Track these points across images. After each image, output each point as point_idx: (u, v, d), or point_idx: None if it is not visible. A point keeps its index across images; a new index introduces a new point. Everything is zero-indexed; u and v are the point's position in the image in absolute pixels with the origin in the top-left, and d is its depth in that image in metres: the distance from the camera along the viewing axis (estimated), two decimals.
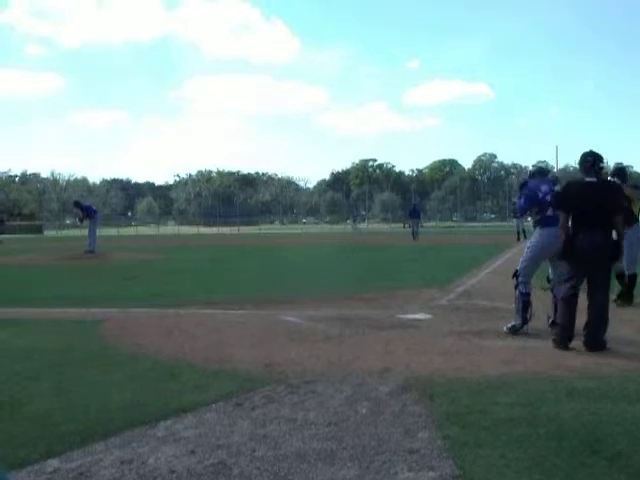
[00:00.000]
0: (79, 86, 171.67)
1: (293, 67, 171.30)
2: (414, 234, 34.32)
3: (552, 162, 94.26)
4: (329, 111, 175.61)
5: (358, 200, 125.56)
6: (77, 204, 23.73)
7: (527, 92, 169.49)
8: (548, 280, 7.35)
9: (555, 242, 6.75)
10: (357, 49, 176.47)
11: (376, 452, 3.56)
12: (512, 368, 5.43)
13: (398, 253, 25.11)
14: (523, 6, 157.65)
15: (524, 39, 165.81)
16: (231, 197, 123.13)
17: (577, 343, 6.25)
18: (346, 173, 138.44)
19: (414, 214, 36.61)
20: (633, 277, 9.09)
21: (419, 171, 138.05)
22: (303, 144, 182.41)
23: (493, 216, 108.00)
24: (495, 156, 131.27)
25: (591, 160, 6.56)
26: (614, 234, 6.45)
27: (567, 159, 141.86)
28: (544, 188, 7.13)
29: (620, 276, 9.08)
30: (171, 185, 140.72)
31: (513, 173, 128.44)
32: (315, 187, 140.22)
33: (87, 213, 22.43)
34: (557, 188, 7.10)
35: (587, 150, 6.70)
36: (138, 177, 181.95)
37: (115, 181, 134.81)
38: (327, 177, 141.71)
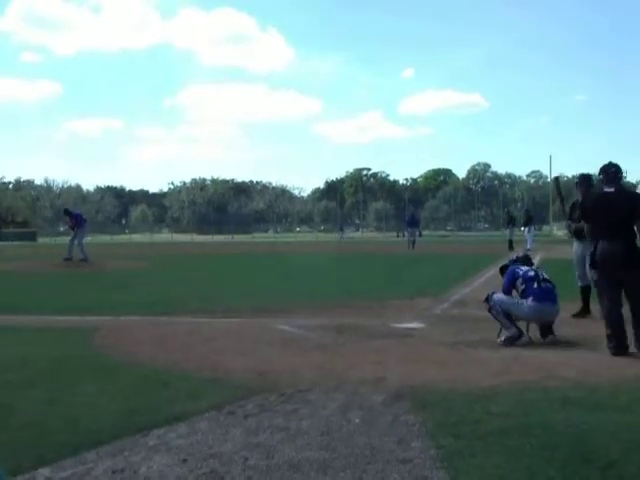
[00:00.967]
0: (74, 94, 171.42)
1: (288, 76, 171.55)
2: (410, 243, 33.78)
3: (546, 172, 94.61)
4: (324, 120, 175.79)
5: (352, 209, 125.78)
6: (67, 212, 23.68)
7: (520, 102, 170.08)
8: (487, 299, 7.36)
9: (535, 316, 7.09)
10: (352, 59, 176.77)
11: (369, 461, 3.55)
12: (505, 378, 5.43)
13: (392, 262, 25.13)
14: (516, 19, 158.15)
15: (517, 50, 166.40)
16: (225, 205, 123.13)
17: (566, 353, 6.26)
18: (340, 182, 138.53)
19: (412, 223, 35.90)
20: (587, 289, 8.97)
21: (413, 180, 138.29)
22: (298, 153, 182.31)
23: (487, 226, 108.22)
24: (489, 166, 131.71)
25: (614, 170, 6.70)
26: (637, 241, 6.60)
27: (561, 169, 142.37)
28: (524, 267, 7.42)
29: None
30: (165, 193, 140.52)
31: (507, 183, 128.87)
32: (309, 196, 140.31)
33: (76, 221, 22.36)
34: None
35: (611, 162, 6.80)
36: (132, 185, 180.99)
37: (109, 189, 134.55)
38: (321, 186, 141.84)
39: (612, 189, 6.64)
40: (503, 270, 7.65)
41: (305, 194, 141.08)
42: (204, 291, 13.72)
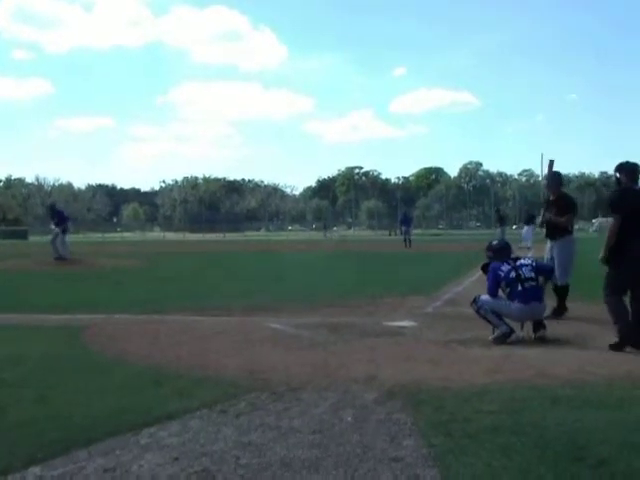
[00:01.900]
0: (66, 92, 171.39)
1: (280, 75, 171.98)
2: (406, 241, 34.27)
3: (537, 170, 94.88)
4: (316, 118, 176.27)
5: (344, 208, 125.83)
6: (52, 208, 23.45)
7: (512, 101, 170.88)
8: (474, 300, 7.37)
9: (522, 317, 7.13)
10: (344, 57, 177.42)
11: (361, 460, 3.56)
12: (497, 377, 5.44)
13: (383, 260, 25.15)
14: (508, 18, 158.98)
15: (509, 49, 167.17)
16: (217, 204, 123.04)
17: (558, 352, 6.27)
18: (332, 180, 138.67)
19: (406, 222, 36.54)
20: (565, 288, 8.96)
21: (405, 179, 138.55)
22: (289, 151, 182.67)
23: (479, 224, 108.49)
24: (481, 164, 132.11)
25: (638, 169, 6.77)
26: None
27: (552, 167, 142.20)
28: (504, 268, 7.27)
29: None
30: (157, 191, 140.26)
31: (499, 181, 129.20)
32: (301, 194, 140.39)
33: (59, 219, 22.14)
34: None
35: (630, 161, 6.86)
36: (124, 183, 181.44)
37: (100, 187, 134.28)
38: (313, 184, 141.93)
39: (638, 187, 6.75)
40: (485, 268, 7.56)
41: (297, 192, 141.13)
42: (196, 289, 13.70)
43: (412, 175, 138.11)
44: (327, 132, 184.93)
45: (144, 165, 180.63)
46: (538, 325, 7.15)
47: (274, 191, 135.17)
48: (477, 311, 7.24)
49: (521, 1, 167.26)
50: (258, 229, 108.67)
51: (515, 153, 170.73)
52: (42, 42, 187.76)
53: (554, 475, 3.33)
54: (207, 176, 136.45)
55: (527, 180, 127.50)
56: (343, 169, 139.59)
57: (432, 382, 5.25)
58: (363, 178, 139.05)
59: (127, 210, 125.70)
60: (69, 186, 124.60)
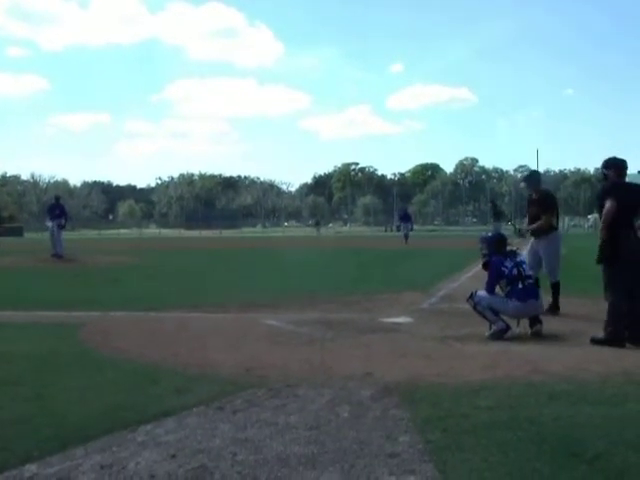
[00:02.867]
0: (61, 88, 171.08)
1: (277, 71, 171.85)
2: (406, 237, 34.56)
3: (533, 166, 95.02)
4: (312, 115, 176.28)
5: (340, 204, 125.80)
6: (57, 200, 23.24)
7: (508, 97, 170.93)
8: (471, 296, 7.37)
9: (519, 315, 7.17)
10: (340, 53, 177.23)
11: (357, 456, 3.56)
12: (493, 372, 5.46)
13: (379, 257, 25.16)
14: (504, 13, 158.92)
15: (506, 45, 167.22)
16: (213, 200, 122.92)
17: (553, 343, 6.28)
18: (328, 177, 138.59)
19: (405, 218, 36.95)
20: (556, 285, 8.95)
21: (401, 175, 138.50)
22: (285, 148, 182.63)
23: (475, 220, 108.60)
24: (477, 160, 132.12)
25: (626, 166, 6.87)
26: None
27: (548, 163, 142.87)
28: (508, 264, 7.23)
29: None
30: (153, 188, 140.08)
31: (494, 177, 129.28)
32: (297, 191, 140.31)
33: (60, 212, 22.05)
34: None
35: (617, 157, 6.91)
36: (120, 180, 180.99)
37: (96, 184, 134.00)
38: (309, 181, 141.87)
39: (629, 182, 6.86)
40: (486, 265, 7.50)
41: (293, 189, 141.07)
42: (192, 286, 13.69)
43: (408, 171, 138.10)
44: (323, 128, 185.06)
45: (140, 162, 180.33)
46: (534, 320, 7.16)
47: (270, 188, 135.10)
48: (474, 307, 7.24)
49: None
50: (254, 226, 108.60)
51: (511, 149, 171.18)
52: (38, 39, 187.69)
53: (550, 470, 3.34)
54: (203, 173, 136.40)
55: (523, 176, 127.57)
56: (339, 165, 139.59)
57: (428, 378, 5.26)
58: (359, 174, 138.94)
59: (123, 207, 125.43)
60: (65, 183, 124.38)
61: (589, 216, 75.01)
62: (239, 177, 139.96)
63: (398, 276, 15.29)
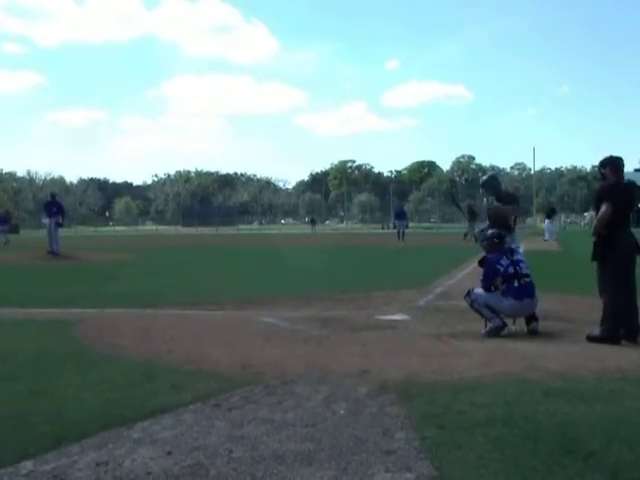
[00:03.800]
0: (57, 85, 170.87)
1: (272, 68, 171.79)
2: (399, 235, 34.60)
3: (529, 164, 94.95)
4: (308, 112, 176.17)
5: (337, 201, 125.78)
6: (53, 197, 23.20)
7: (505, 94, 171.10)
8: (468, 294, 7.38)
9: (515, 313, 7.17)
10: (336, 50, 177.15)
11: (354, 453, 3.56)
12: (489, 370, 5.46)
13: (376, 254, 25.17)
14: (500, 10, 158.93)
15: (502, 42, 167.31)
16: (209, 197, 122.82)
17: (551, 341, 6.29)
18: (325, 174, 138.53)
19: (400, 216, 36.96)
20: None
21: (398, 172, 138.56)
22: (282, 145, 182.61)
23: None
24: (473, 158, 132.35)
25: (623, 164, 6.86)
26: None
27: (544, 161, 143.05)
28: (504, 262, 7.24)
29: None
30: (149, 185, 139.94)
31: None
32: (294, 188, 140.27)
33: (57, 210, 21.99)
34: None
35: (614, 155, 6.89)
36: (116, 177, 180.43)
37: (92, 180, 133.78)
38: (306, 178, 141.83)
39: (625, 181, 6.85)
40: (482, 262, 7.51)
41: (290, 186, 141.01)
42: (188, 283, 13.69)
43: (405, 169, 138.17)
44: (319, 125, 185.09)
45: (136, 159, 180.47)
46: (531, 318, 7.17)
47: (267, 185, 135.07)
48: (471, 304, 7.24)
49: None
50: (251, 223, 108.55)
51: (507, 146, 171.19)
52: (33, 35, 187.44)
53: (546, 467, 3.35)
54: (199, 170, 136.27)
55: (519, 173, 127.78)
56: (336, 162, 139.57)
57: (425, 375, 5.27)
58: (356, 172, 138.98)
59: (119, 204, 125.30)
60: (61, 180, 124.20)
61: (585, 213, 75.25)
62: (235, 174, 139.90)
63: (394, 273, 15.29)
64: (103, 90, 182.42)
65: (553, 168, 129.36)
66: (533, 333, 7.07)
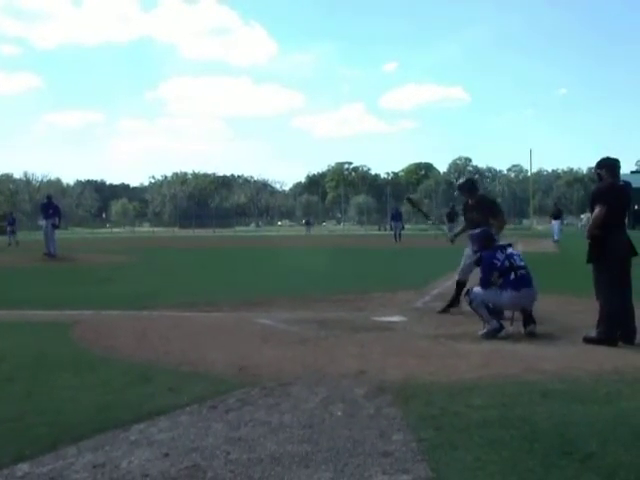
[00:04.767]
0: (55, 86, 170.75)
1: (270, 70, 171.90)
2: (396, 237, 34.98)
3: (526, 166, 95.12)
4: (306, 113, 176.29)
5: (334, 203, 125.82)
6: (49, 199, 23.12)
7: (502, 96, 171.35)
8: (467, 293, 7.40)
9: (515, 305, 7.19)
10: (334, 52, 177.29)
11: (351, 455, 3.56)
12: (486, 371, 5.46)
13: (373, 255, 25.17)
14: (498, 12, 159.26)
15: (498, 43, 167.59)
16: (207, 199, 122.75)
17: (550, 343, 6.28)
18: (322, 176, 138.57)
19: (396, 217, 37.25)
20: (463, 284, 8.96)
21: (395, 174, 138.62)
22: (279, 146, 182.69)
23: None
24: (470, 160, 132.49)
25: (619, 165, 6.90)
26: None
27: (541, 163, 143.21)
28: (499, 256, 7.28)
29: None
30: (146, 187, 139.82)
31: (488, 177, 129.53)
32: (291, 190, 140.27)
33: (54, 212, 21.94)
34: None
35: (610, 157, 6.91)
36: (113, 178, 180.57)
37: (89, 182, 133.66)
38: (303, 180, 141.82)
39: (621, 182, 6.85)
40: (478, 262, 7.55)
41: (287, 188, 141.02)
42: (185, 285, 13.68)
43: (402, 170, 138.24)
44: (317, 127, 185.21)
45: (133, 160, 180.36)
46: (528, 320, 7.18)
47: (264, 187, 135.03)
48: (470, 304, 7.27)
49: None
50: (247, 225, 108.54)
51: (504, 148, 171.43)
52: (31, 37, 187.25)
53: (543, 469, 3.35)
54: (197, 171, 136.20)
55: (516, 175, 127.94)
56: (333, 164, 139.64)
57: (422, 377, 5.26)
58: (353, 173, 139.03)
59: (116, 206, 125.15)
60: (58, 182, 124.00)
61: (582, 215, 75.27)
62: (233, 176, 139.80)
63: (391, 275, 15.29)
64: (100, 92, 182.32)
65: (550, 170, 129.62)
66: (531, 335, 7.08)
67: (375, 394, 4.75)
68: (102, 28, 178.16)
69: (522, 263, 7.30)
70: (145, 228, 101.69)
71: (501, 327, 7.06)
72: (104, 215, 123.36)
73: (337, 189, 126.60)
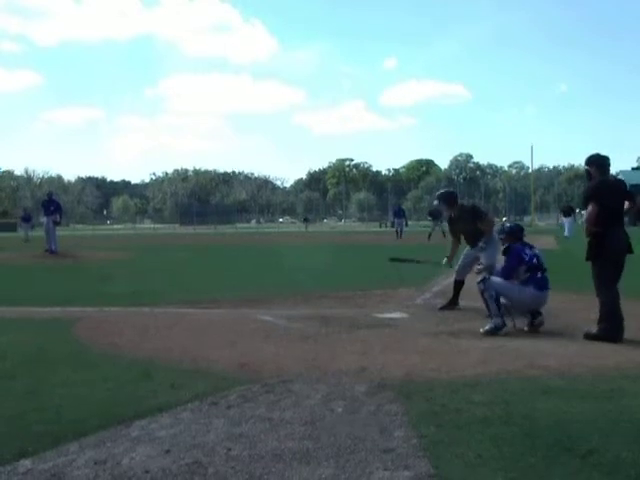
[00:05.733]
0: (55, 83, 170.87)
1: (271, 66, 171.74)
2: (398, 233, 35.10)
3: (527, 162, 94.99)
4: (306, 110, 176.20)
5: (335, 200, 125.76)
6: (49, 196, 23.04)
7: (503, 93, 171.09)
8: (482, 280, 7.35)
9: (532, 304, 7.15)
10: (334, 49, 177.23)
11: (352, 451, 3.56)
12: (487, 367, 5.46)
13: (374, 252, 25.15)
14: (498, 9, 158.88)
15: (500, 40, 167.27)
16: (207, 196, 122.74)
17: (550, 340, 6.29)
18: (323, 172, 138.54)
19: (399, 214, 37.44)
20: (461, 283, 9.08)
21: (396, 171, 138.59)
22: (280, 143, 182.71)
23: None
24: (471, 156, 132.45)
25: (609, 162, 6.88)
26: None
27: (542, 159, 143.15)
28: (528, 252, 7.30)
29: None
30: (147, 183, 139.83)
31: (489, 173, 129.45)
32: (292, 186, 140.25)
33: (55, 209, 21.90)
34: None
35: (600, 154, 6.93)
36: (114, 175, 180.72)
37: (90, 179, 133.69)
38: (304, 176, 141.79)
39: (612, 178, 6.92)
40: (506, 251, 7.47)
41: (288, 185, 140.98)
42: (186, 282, 13.68)
43: (402, 167, 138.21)
44: (317, 124, 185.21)
45: (134, 157, 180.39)
46: (536, 313, 7.18)
47: (265, 183, 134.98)
48: (482, 292, 7.20)
49: None
50: (249, 221, 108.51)
51: (505, 145, 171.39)
52: (32, 34, 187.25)
53: (544, 465, 3.35)
54: (197, 168, 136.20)
55: (517, 172, 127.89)
56: (334, 161, 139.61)
57: (423, 373, 5.27)
58: (354, 170, 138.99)
59: (117, 203, 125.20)
60: (59, 178, 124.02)
61: (583, 212, 75.26)
62: (234, 173, 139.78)
63: (392, 271, 15.27)
64: (101, 89, 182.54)
65: (551, 166, 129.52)
66: (539, 326, 7.09)
67: (376, 391, 4.75)
68: (103, 25, 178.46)
69: (545, 266, 7.30)
70: (146, 225, 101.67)
71: (503, 324, 7.04)
72: (105, 212, 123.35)
73: (338, 186, 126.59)
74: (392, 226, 43.05)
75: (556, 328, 7.28)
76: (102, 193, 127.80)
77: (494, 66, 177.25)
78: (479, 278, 7.36)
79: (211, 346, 6.50)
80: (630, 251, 6.72)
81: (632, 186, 8.55)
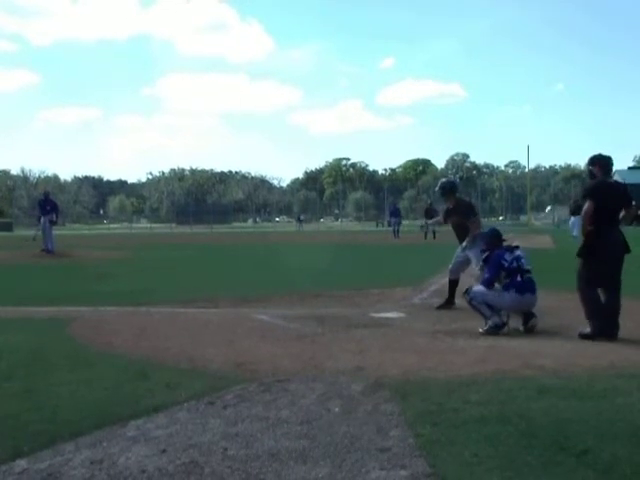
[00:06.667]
0: (52, 83, 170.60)
1: (267, 66, 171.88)
2: (395, 233, 35.38)
3: (523, 162, 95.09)
4: (303, 110, 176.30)
5: (332, 199, 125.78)
6: (46, 196, 22.95)
7: (499, 92, 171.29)
8: (466, 291, 7.40)
9: (515, 307, 7.17)
10: (331, 48, 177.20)
11: (348, 450, 3.57)
12: (483, 367, 5.47)
13: (371, 252, 25.17)
14: (495, 8, 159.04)
15: (497, 40, 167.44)
16: (204, 195, 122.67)
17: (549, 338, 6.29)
18: (320, 172, 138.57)
19: (395, 213, 37.82)
20: (455, 282, 9.19)
21: (392, 170, 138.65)
22: (277, 143, 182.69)
23: None
24: (468, 156, 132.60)
25: (612, 162, 6.91)
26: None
27: (538, 159, 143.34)
28: (508, 257, 7.29)
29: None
30: (144, 183, 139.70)
31: (485, 173, 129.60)
32: (288, 186, 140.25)
33: (51, 208, 21.84)
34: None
35: (603, 154, 6.94)
36: (110, 175, 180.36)
37: (87, 178, 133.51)
38: (301, 176, 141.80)
39: (612, 179, 6.95)
40: (486, 260, 7.53)
41: (284, 184, 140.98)
42: (183, 281, 13.68)
43: (399, 167, 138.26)
44: (314, 123, 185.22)
45: (131, 157, 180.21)
46: (530, 314, 7.19)
47: (261, 183, 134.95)
48: (469, 302, 7.23)
49: None
50: (245, 221, 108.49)
51: (501, 144, 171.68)
52: (27, 33, 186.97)
53: (539, 464, 3.35)
54: (194, 168, 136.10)
55: (514, 171, 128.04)
56: (330, 160, 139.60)
57: (419, 373, 5.27)
58: (350, 170, 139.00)
59: (114, 202, 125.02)
60: (55, 178, 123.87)
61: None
62: (230, 172, 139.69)
63: (389, 271, 15.30)
64: (98, 88, 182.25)
65: (547, 166, 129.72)
66: (532, 329, 7.09)
67: (373, 390, 4.76)
68: (99, 24, 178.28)
69: (529, 267, 7.30)
70: (143, 224, 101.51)
71: (503, 324, 7.05)
72: (102, 211, 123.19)
73: (335, 185, 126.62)
74: (389, 225, 43.23)
75: (552, 328, 7.29)
76: (98, 192, 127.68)
77: (490, 65, 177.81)
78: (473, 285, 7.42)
79: (207, 345, 6.50)
80: (628, 250, 6.73)
81: (629, 185, 8.59)
